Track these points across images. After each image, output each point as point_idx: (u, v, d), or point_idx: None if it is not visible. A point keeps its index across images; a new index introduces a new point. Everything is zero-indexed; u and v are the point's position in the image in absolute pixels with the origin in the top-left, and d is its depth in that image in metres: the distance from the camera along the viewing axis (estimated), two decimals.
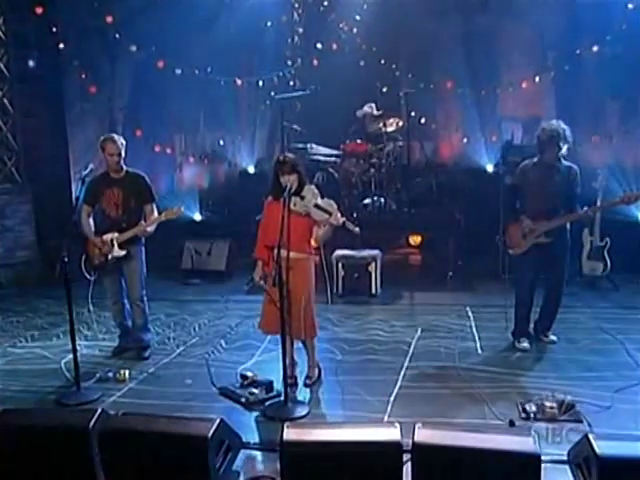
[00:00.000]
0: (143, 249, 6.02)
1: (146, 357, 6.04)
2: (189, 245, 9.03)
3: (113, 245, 5.84)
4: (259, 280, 5.24)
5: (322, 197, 5.07)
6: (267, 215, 5.21)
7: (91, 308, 5.96)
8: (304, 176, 5.12)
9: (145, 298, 6.09)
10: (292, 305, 4.97)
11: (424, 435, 3.51)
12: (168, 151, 10.48)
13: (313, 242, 5.11)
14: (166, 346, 6.32)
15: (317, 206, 4.95)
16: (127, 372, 5.57)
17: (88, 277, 5.80)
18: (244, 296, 7.91)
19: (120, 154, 5.75)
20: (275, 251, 4.81)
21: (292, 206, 4.93)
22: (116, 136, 5.82)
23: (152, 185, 5.99)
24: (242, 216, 9.96)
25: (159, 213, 5.82)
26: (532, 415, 4.59)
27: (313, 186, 5.18)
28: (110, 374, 5.57)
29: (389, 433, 3.53)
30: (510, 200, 6.10)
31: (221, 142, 11.18)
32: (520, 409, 4.70)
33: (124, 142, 5.82)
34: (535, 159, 5.83)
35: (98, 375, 5.54)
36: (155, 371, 5.73)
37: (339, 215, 4.89)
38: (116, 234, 5.84)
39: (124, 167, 5.88)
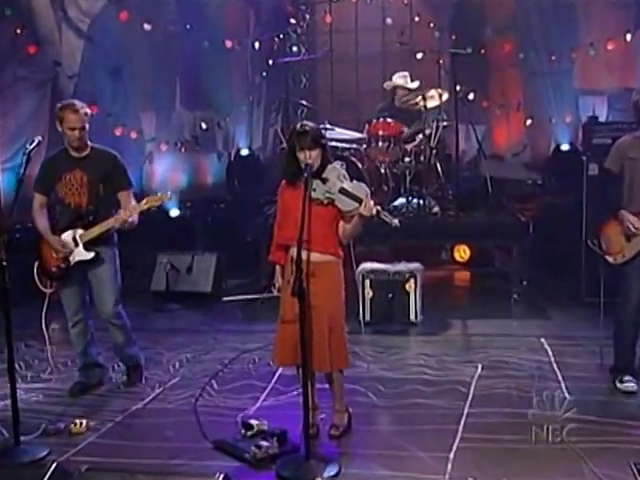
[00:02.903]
0: (116, 251, 6.02)
1: (139, 380, 6.18)
2: (163, 259, 8.96)
3: (77, 245, 5.80)
4: (277, 292, 5.17)
5: (354, 175, 4.98)
6: (281, 205, 5.13)
7: (46, 333, 5.94)
8: (328, 152, 5.03)
9: (122, 313, 6.13)
10: (314, 326, 4.83)
11: None
12: (133, 135, 10.38)
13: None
14: (136, 388, 6.21)
15: (343, 191, 4.83)
16: (84, 422, 5.42)
17: (43, 290, 5.84)
18: (238, 325, 7.87)
19: (84, 127, 5.75)
20: (293, 250, 4.70)
21: (312, 192, 4.81)
22: (78, 103, 5.79)
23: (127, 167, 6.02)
24: (233, 221, 9.94)
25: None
26: None
27: (338, 165, 5.05)
28: (61, 425, 5.43)
29: None
30: (604, 191, 6.00)
31: (203, 125, 11.11)
32: (635, 470, 4.53)
33: (89, 112, 5.82)
34: (638, 133, 5.71)
35: (44, 426, 5.41)
36: (124, 420, 5.59)
37: (372, 203, 4.75)
38: (80, 230, 5.81)
39: (89, 143, 5.87)
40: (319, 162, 4.90)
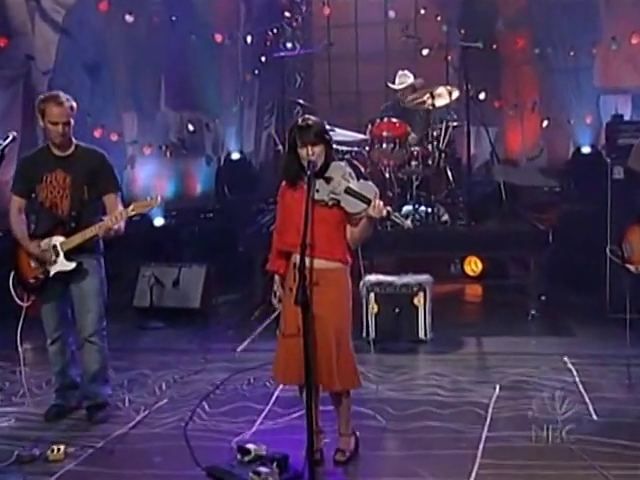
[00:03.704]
0: (102, 261, 5.97)
1: (101, 419, 5.94)
2: (146, 272, 8.92)
3: (58, 254, 5.72)
4: (277, 303, 5.12)
5: (357, 178, 4.94)
6: (281, 208, 5.10)
7: (21, 351, 5.91)
8: (332, 149, 5.01)
9: (104, 333, 6.03)
10: (319, 339, 4.77)
11: None
12: (113, 137, 10.36)
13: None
14: (120, 412, 6.15)
15: (350, 191, 4.79)
16: (62, 448, 5.36)
17: (19, 303, 5.81)
18: (230, 343, 7.80)
19: (68, 122, 5.71)
20: (296, 257, 4.66)
21: (315, 193, 4.77)
22: (62, 95, 5.76)
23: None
24: (223, 231, 9.93)
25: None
26: None
27: (343, 163, 5.05)
28: (36, 451, 5.36)
29: None
30: (629, 195, 6.02)
31: (191, 127, 11.10)
32: None
33: (75, 105, 5.78)
34: None
35: (17, 453, 5.34)
36: (106, 446, 5.52)
37: (381, 203, 4.73)
38: (61, 238, 5.74)
39: (74, 141, 5.84)
40: (322, 159, 4.85)
